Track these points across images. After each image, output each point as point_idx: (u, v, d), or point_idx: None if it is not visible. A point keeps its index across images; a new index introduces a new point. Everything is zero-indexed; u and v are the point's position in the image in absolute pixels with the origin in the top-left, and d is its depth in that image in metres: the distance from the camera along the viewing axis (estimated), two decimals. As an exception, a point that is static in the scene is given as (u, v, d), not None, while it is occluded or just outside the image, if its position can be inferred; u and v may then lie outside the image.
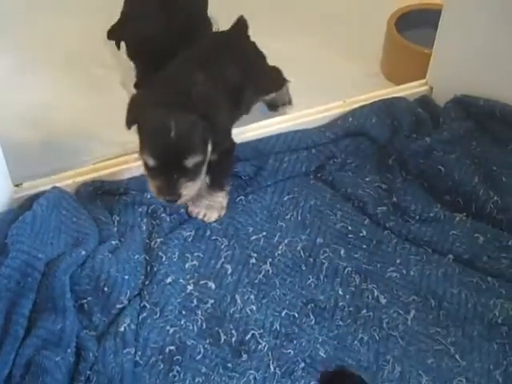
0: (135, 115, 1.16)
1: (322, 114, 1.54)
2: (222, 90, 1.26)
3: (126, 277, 1.19)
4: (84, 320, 1.15)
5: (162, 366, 1.12)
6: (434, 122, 1.55)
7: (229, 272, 1.25)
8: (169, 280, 1.21)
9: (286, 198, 1.38)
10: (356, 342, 1.17)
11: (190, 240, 1.29)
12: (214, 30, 1.76)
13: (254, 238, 1.30)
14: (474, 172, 1.41)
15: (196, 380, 1.11)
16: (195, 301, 1.21)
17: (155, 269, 1.22)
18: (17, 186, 1.34)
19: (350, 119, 1.52)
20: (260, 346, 1.15)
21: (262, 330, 1.17)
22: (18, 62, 1.77)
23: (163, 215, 1.31)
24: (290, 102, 1.61)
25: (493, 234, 1.33)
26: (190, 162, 1.13)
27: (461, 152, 1.46)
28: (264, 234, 1.31)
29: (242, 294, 1.22)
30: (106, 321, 1.16)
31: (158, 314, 1.17)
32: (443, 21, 1.54)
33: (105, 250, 1.23)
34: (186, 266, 1.25)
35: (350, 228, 1.35)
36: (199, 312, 1.19)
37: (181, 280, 1.23)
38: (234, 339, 1.16)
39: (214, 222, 1.32)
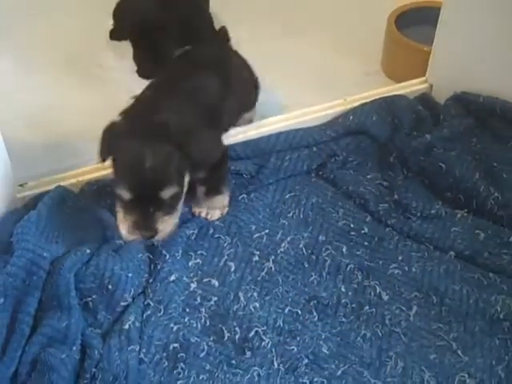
0: (109, 145, 1.12)
1: (322, 113, 1.55)
2: (202, 111, 1.20)
3: (130, 275, 1.20)
4: (89, 318, 1.16)
5: (166, 363, 1.13)
6: (434, 120, 1.56)
7: (232, 270, 1.26)
8: (172, 278, 1.22)
9: (287, 196, 1.39)
10: (359, 338, 1.18)
11: (193, 238, 1.30)
12: (214, 25, 1.78)
13: (256, 235, 1.31)
14: (474, 169, 1.42)
15: (200, 377, 1.12)
16: (199, 298, 1.21)
17: (159, 267, 1.23)
18: (21, 185, 1.35)
19: (351, 117, 1.53)
20: (263, 343, 1.16)
21: (265, 327, 1.17)
22: (20, 62, 1.78)
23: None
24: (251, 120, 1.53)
25: (494, 230, 1.33)
26: (166, 193, 1.08)
27: (461, 149, 1.47)
28: (266, 231, 1.32)
29: (245, 291, 1.23)
30: (110, 318, 1.17)
31: (161, 312, 1.18)
32: (442, 18, 1.55)
33: (109, 248, 1.24)
34: (190, 263, 1.26)
35: (351, 225, 1.36)
36: (203, 309, 1.20)
37: (184, 278, 1.24)
38: (237, 336, 1.16)
39: (217, 220, 1.32)
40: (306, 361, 1.14)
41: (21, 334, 1.11)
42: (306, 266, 1.28)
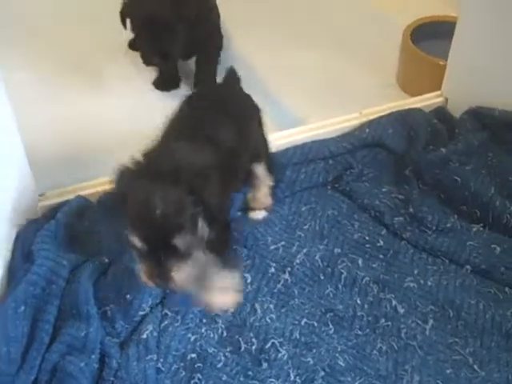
0: (122, 188, 1.06)
1: (338, 125, 1.56)
2: (214, 157, 1.12)
3: (148, 285, 1.21)
4: (107, 327, 1.17)
5: (183, 373, 1.14)
6: (449, 133, 1.57)
7: (248, 281, 1.26)
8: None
9: (303, 209, 1.40)
10: (375, 351, 1.18)
11: (209, 249, 1.31)
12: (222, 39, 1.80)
13: (273, 247, 1.32)
14: (490, 183, 1.43)
15: (217, 387, 1.13)
16: (216, 309, 1.23)
17: (176, 277, 1.24)
18: (41, 195, 1.37)
19: (367, 130, 1.54)
20: (280, 355, 1.16)
21: (281, 339, 1.18)
22: (39, 74, 1.81)
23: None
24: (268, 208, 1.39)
25: (509, 244, 1.34)
26: (179, 241, 1.01)
27: (477, 163, 1.48)
28: (283, 243, 1.33)
29: (262, 302, 1.23)
30: (128, 328, 1.18)
31: (179, 322, 1.19)
32: (458, 32, 1.56)
33: (126, 258, 1.25)
34: (207, 274, 1.27)
35: (367, 238, 1.36)
36: (220, 320, 1.21)
37: (201, 289, 1.25)
38: (254, 347, 1.17)
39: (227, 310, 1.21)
40: (322, 373, 1.14)
41: (40, 342, 1.12)
42: (322, 278, 1.28)
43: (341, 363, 1.16)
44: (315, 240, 1.35)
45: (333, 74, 1.83)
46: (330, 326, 1.21)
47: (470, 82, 1.59)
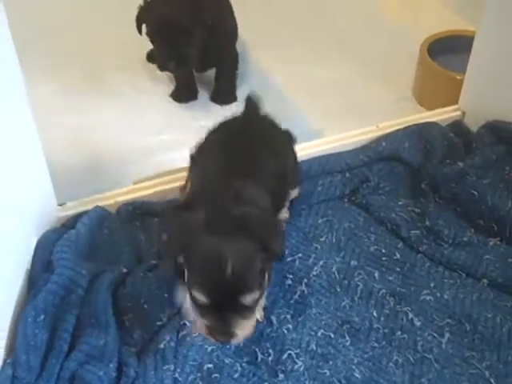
0: (183, 243, 1.00)
1: (355, 138, 1.57)
2: (270, 197, 1.09)
3: (166, 295, 1.22)
4: (125, 336, 1.18)
5: (200, 383, 1.14)
6: (466, 147, 1.57)
7: (266, 294, 1.27)
8: (207, 299, 1.24)
9: (320, 221, 1.40)
10: (391, 363, 1.18)
11: (227, 260, 1.31)
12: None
13: (289, 259, 1.32)
14: (507, 196, 1.42)
15: (234, 398, 1.13)
16: (232, 319, 1.23)
17: (194, 288, 1.24)
18: (61, 205, 1.39)
19: (384, 143, 1.54)
20: (296, 366, 1.16)
21: (298, 350, 1.18)
22: (59, 85, 1.83)
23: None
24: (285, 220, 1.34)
25: (527, 259, 1.33)
26: (248, 299, 0.97)
27: (494, 177, 1.48)
28: (299, 255, 1.33)
29: (278, 314, 1.24)
30: (146, 337, 1.18)
31: (196, 332, 1.19)
32: (476, 47, 1.57)
33: (144, 268, 1.27)
34: (224, 285, 1.28)
35: (383, 251, 1.36)
36: (236, 331, 1.21)
37: (218, 299, 1.25)
38: (270, 358, 1.17)
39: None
40: (338, 385, 1.15)
41: (59, 351, 1.13)
42: (339, 290, 1.29)
43: (357, 375, 1.16)
44: (332, 252, 1.35)
45: (350, 88, 1.84)
46: (347, 338, 1.21)
47: (487, 96, 1.59)
